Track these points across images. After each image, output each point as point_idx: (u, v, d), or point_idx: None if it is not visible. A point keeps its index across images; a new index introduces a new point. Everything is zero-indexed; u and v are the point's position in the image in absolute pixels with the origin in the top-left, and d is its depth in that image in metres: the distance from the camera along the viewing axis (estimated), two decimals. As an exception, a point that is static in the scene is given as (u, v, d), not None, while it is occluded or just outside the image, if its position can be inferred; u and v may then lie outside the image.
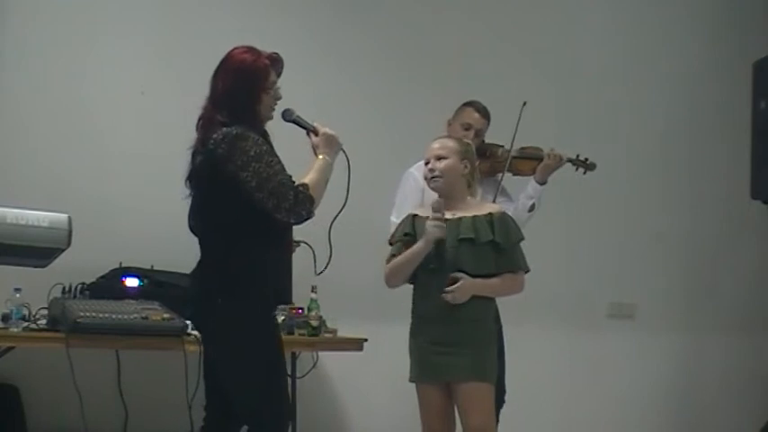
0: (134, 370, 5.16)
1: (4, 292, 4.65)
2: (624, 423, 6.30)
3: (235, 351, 3.65)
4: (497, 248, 4.11)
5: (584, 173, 5.14)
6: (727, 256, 6.65)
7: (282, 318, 5.02)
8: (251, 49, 3.74)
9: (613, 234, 6.34)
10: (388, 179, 5.15)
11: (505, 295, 4.24)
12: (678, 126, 6.56)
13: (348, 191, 3.92)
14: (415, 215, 4.26)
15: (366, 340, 5.10)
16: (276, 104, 3.77)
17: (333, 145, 3.80)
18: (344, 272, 5.57)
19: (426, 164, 4.26)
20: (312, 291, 5.14)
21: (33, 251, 3.22)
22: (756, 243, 6.65)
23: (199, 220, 3.73)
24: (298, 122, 3.83)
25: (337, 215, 3.89)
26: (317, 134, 3.83)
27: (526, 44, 6.27)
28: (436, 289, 4.06)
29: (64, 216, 3.22)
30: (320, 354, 5.45)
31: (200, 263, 3.74)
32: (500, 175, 5.04)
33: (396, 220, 4.95)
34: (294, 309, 5.15)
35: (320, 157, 3.74)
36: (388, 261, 4.26)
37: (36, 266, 3.47)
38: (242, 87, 3.67)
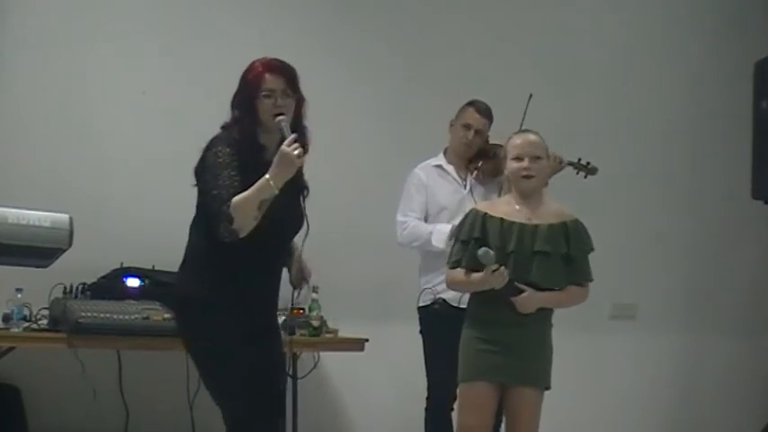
0: (135, 370, 5.16)
1: (6, 292, 4.65)
2: (625, 423, 6.29)
3: (195, 348, 3.69)
4: (569, 260, 4.09)
5: (585, 176, 5.13)
6: (729, 256, 6.65)
7: (283, 318, 5.02)
8: (258, 60, 3.75)
9: (615, 235, 6.32)
10: (391, 180, 5.16)
11: (571, 306, 4.20)
12: (679, 126, 6.56)
13: (306, 216, 3.81)
14: (486, 214, 4.12)
15: (367, 340, 5.10)
16: (277, 110, 3.69)
17: (283, 165, 3.53)
18: (346, 272, 5.60)
19: (517, 159, 4.12)
20: (313, 291, 5.14)
21: (35, 251, 3.22)
22: (757, 243, 6.65)
23: None
24: (279, 129, 3.67)
25: (304, 240, 3.82)
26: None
27: (527, 44, 6.26)
28: (503, 295, 3.99)
29: (65, 216, 3.21)
30: (321, 354, 5.44)
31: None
32: (503, 176, 5.04)
33: (402, 218, 4.96)
34: (295, 309, 5.15)
35: (266, 175, 3.52)
36: (454, 265, 4.13)
37: (37, 267, 3.46)
38: (240, 98, 3.70)
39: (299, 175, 3.70)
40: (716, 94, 6.56)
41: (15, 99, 5.31)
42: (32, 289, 4.68)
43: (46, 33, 5.38)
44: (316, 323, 5.08)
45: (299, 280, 3.92)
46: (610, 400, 6.27)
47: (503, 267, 3.94)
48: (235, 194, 3.48)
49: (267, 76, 3.70)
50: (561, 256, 4.08)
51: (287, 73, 3.75)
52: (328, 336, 5.16)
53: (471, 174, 5.03)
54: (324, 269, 5.48)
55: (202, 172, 3.60)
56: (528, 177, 4.10)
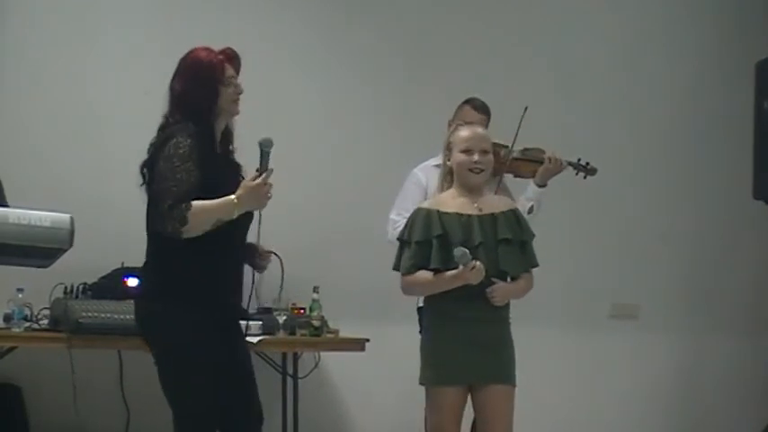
0: (136, 370, 5.15)
1: (7, 292, 4.66)
2: (626, 423, 6.29)
3: (154, 349, 3.69)
4: (523, 247, 4.07)
5: (585, 177, 5.11)
6: (730, 256, 6.64)
7: (284, 318, 5.03)
8: (205, 48, 3.75)
9: (616, 235, 6.33)
10: (392, 180, 5.15)
11: (524, 295, 4.13)
12: (680, 126, 6.55)
13: (259, 235, 3.79)
14: (438, 210, 4.04)
15: (368, 340, 5.10)
16: (238, 97, 3.72)
17: (252, 199, 3.56)
18: (347, 272, 5.61)
19: (466, 152, 4.08)
20: (314, 291, 5.14)
21: (35, 251, 3.20)
22: (758, 243, 6.64)
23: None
24: (261, 156, 3.64)
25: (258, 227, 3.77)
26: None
27: (528, 44, 6.26)
28: (476, 290, 3.92)
29: (66, 216, 3.20)
30: (322, 354, 5.45)
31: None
32: (500, 176, 5.04)
33: (395, 217, 4.95)
34: (296, 309, 5.15)
35: (233, 195, 3.54)
36: (409, 270, 4.01)
37: (38, 266, 3.45)
38: (200, 84, 3.67)
39: (231, 158, 3.77)
40: (717, 94, 6.56)
41: (16, 99, 5.32)
42: (33, 289, 4.68)
43: (46, 33, 5.38)
44: (316, 323, 5.08)
45: (261, 258, 3.83)
46: (610, 400, 6.26)
47: (478, 263, 3.87)
48: (191, 191, 3.50)
49: (227, 64, 3.71)
50: (518, 243, 4.04)
51: (239, 62, 3.78)
52: (329, 336, 5.17)
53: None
54: (325, 269, 5.53)
55: (158, 161, 3.59)
56: (477, 171, 4.06)
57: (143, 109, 5.40)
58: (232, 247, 3.69)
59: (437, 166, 5.06)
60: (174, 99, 3.71)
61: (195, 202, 3.51)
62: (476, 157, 4.05)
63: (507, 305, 4.07)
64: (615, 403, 6.28)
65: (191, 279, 3.60)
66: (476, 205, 4.05)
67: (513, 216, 4.09)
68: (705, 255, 6.59)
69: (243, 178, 3.75)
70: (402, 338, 5.02)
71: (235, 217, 3.54)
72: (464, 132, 4.13)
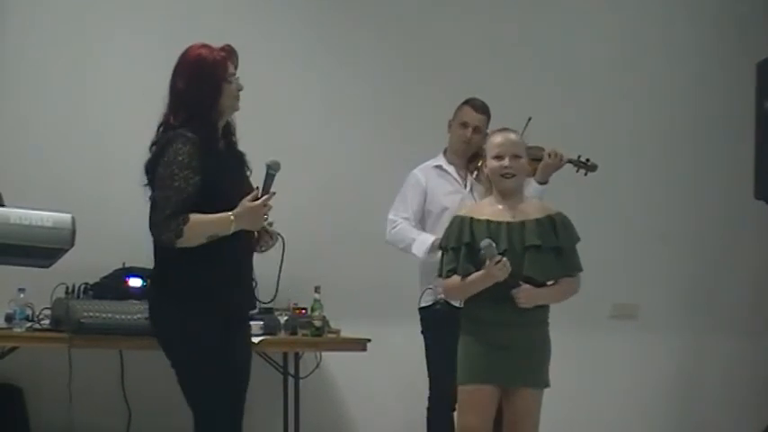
0: (137, 370, 5.16)
1: (8, 292, 4.66)
2: (627, 423, 6.29)
3: (167, 350, 3.69)
4: (560, 252, 4.06)
5: (585, 174, 5.12)
6: (731, 256, 6.64)
7: (286, 318, 5.03)
8: (204, 45, 3.74)
9: (616, 235, 6.32)
10: (393, 180, 5.15)
11: (565, 299, 4.17)
12: (681, 126, 6.55)
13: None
14: (471, 218, 4.08)
15: (369, 340, 5.10)
16: (239, 94, 3.73)
17: (250, 220, 3.59)
18: (348, 273, 5.60)
19: (497, 158, 4.09)
20: (315, 291, 5.14)
21: (37, 251, 3.20)
22: (759, 243, 6.64)
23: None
24: (266, 178, 3.68)
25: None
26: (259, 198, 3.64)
27: (529, 44, 6.26)
28: (502, 294, 3.96)
29: (67, 216, 3.20)
30: (323, 354, 5.44)
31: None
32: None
33: (393, 217, 4.97)
34: (297, 309, 5.15)
35: (231, 213, 3.57)
36: (447, 275, 4.10)
37: (39, 266, 3.45)
38: (203, 82, 3.67)
39: (236, 147, 3.78)
40: (718, 94, 6.55)
41: (17, 98, 5.32)
42: (35, 289, 4.68)
43: (46, 33, 5.38)
44: (318, 323, 5.08)
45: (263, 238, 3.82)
46: (610, 400, 6.26)
47: (504, 258, 3.92)
48: (188, 199, 3.53)
49: (229, 61, 3.72)
50: (552, 249, 4.05)
51: (237, 59, 3.78)
52: (331, 336, 5.17)
53: (471, 173, 5.02)
54: (326, 269, 5.52)
55: (158, 165, 3.61)
56: (509, 176, 4.08)
57: (143, 108, 5.42)
58: (241, 244, 3.69)
59: (437, 166, 5.08)
60: (175, 97, 3.70)
61: (193, 216, 3.54)
62: (506, 161, 4.06)
63: (543, 309, 4.09)
64: (615, 403, 6.27)
65: (199, 278, 3.61)
66: (511, 212, 4.07)
67: (549, 222, 4.07)
68: (706, 255, 6.59)
69: (248, 168, 3.80)
70: (403, 338, 5.03)
71: (231, 233, 3.56)
72: (496, 138, 4.16)
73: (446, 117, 5.11)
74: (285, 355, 5.39)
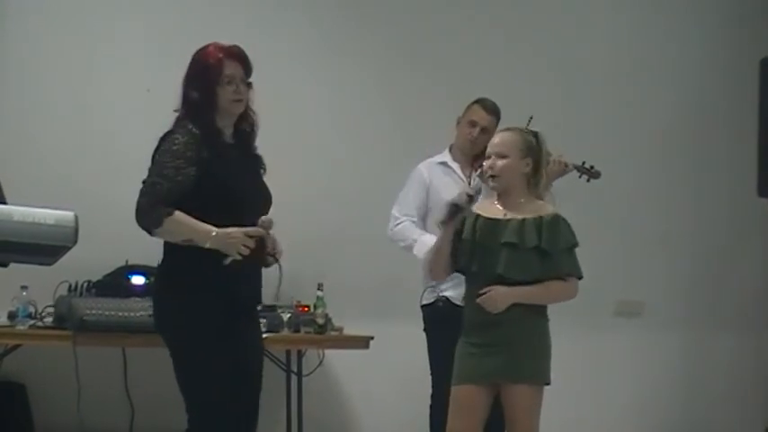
0: (140, 368, 5.17)
1: (11, 289, 4.66)
2: (631, 420, 6.29)
3: (169, 345, 3.70)
4: (543, 254, 3.94)
5: (588, 180, 5.08)
6: (734, 253, 6.64)
7: (288, 315, 5.03)
8: (213, 45, 3.77)
9: (620, 232, 6.32)
10: (396, 178, 5.15)
11: (554, 302, 4.07)
12: (684, 124, 6.54)
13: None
14: (476, 214, 4.03)
15: (372, 338, 5.10)
16: (239, 97, 3.73)
17: (227, 245, 3.58)
18: (351, 270, 5.61)
19: (487, 158, 4.06)
20: (318, 288, 5.15)
21: (40, 249, 3.20)
22: (763, 241, 6.64)
23: None
24: (257, 226, 3.69)
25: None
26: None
27: (531, 44, 6.26)
28: (476, 292, 3.95)
29: (70, 213, 3.20)
30: (326, 352, 5.45)
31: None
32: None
33: (396, 213, 4.97)
34: (300, 306, 5.16)
35: (214, 230, 3.57)
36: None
37: (42, 264, 3.45)
38: (198, 83, 3.72)
39: (253, 150, 3.81)
40: (721, 91, 6.55)
41: (19, 97, 5.32)
42: (37, 287, 4.69)
43: (48, 33, 5.38)
44: (321, 321, 5.09)
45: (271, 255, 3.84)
46: (614, 398, 6.26)
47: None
48: (174, 189, 3.56)
49: (227, 62, 3.72)
50: (533, 249, 3.94)
51: (246, 61, 3.78)
52: (333, 333, 5.18)
53: (476, 172, 5.02)
54: (329, 267, 5.53)
55: (156, 152, 3.69)
56: (491, 177, 4.02)
57: (145, 107, 5.45)
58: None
59: (441, 163, 5.07)
60: (182, 94, 3.77)
61: (178, 213, 3.57)
62: (487, 162, 4.03)
63: (527, 307, 3.97)
64: (619, 401, 6.27)
65: (205, 270, 3.61)
66: (505, 211, 4.02)
67: (535, 222, 3.96)
68: (709, 252, 6.58)
69: (263, 170, 3.83)
70: (406, 336, 5.03)
71: (206, 247, 3.56)
72: (492, 139, 4.14)
73: (451, 116, 5.10)
74: (288, 353, 5.40)
